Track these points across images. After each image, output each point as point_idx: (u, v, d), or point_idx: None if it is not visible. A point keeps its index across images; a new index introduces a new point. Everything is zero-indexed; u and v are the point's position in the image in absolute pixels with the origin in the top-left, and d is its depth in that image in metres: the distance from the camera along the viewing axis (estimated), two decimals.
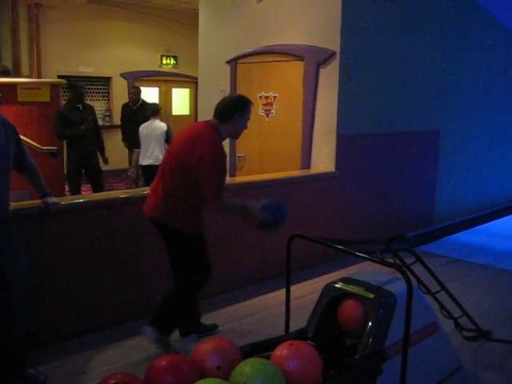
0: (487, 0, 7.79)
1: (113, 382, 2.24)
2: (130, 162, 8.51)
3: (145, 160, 7.23)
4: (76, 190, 7.13)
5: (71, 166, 7.17)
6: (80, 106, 7.09)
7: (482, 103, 8.30)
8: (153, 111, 7.28)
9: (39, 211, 3.51)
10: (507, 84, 8.94)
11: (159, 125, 7.20)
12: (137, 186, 7.52)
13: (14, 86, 6.85)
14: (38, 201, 3.48)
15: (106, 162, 7.55)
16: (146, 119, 7.35)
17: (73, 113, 6.97)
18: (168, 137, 7.12)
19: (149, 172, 6.99)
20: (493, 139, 8.96)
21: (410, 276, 3.40)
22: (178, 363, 2.42)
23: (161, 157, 6.61)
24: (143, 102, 9.00)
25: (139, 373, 2.49)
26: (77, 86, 7.26)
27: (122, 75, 11.97)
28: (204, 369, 2.47)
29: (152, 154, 7.15)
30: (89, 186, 7.61)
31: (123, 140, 9.23)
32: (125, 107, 9.31)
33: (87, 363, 3.60)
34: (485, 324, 4.11)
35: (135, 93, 9.07)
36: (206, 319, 4.10)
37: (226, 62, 6.75)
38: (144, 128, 7.25)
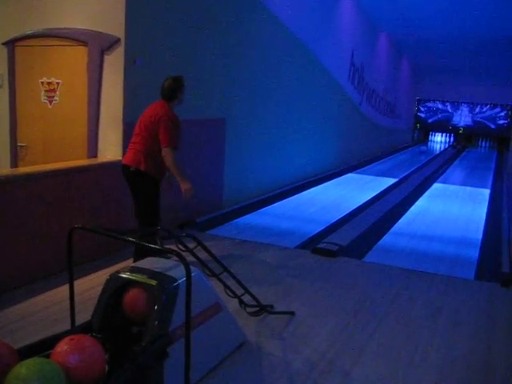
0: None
1: None
2: None
3: None
4: None
5: None
6: None
7: (265, 93, 8.88)
8: None
9: None
10: (280, 77, 9.69)
11: None
12: None
13: None
14: None
15: None
16: None
17: None
18: None
19: None
20: (279, 127, 9.65)
21: (196, 260, 3.56)
22: None
23: None
24: None
25: None
26: None
27: None
28: None
29: None
30: None
31: None
32: None
33: None
34: (267, 298, 4.45)
35: None
36: None
37: (3, 44, 6.23)
38: None
